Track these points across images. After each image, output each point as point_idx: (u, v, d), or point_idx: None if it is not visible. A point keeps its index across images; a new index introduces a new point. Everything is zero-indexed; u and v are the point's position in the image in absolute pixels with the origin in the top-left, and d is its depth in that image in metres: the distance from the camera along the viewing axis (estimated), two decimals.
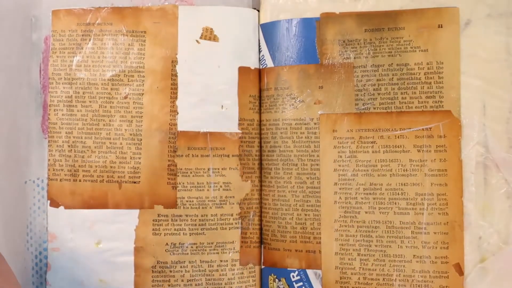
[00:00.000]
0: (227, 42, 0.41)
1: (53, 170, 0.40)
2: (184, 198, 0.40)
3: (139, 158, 0.40)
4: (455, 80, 0.37)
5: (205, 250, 0.40)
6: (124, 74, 0.40)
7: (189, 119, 0.40)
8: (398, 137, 0.38)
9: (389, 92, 0.38)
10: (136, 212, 0.40)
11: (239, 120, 0.40)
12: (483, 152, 0.37)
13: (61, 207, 0.40)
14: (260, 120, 0.41)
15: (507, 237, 0.36)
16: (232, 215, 0.40)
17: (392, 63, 0.38)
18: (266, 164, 0.40)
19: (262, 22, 0.41)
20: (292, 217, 0.39)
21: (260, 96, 0.41)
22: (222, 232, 0.40)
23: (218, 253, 0.40)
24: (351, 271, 0.38)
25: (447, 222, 0.37)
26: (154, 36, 0.40)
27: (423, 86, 0.37)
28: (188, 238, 0.39)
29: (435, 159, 0.37)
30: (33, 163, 0.40)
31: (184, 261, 0.39)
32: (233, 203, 0.40)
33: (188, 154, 0.40)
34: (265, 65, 0.41)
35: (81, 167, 0.40)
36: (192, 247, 0.39)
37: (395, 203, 0.37)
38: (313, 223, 0.39)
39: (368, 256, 0.38)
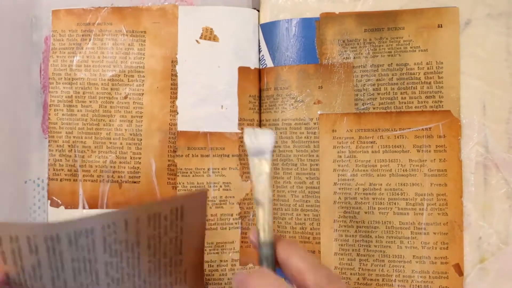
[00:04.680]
0: (227, 42, 0.41)
1: (53, 170, 0.40)
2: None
3: (139, 158, 0.40)
4: (455, 80, 0.37)
5: (205, 250, 0.40)
6: (124, 74, 0.40)
7: (189, 119, 0.40)
8: (398, 137, 0.38)
9: (389, 92, 0.38)
10: None
11: (239, 120, 0.40)
12: (483, 152, 0.37)
13: (61, 207, 0.40)
14: (260, 120, 0.41)
15: (507, 238, 0.36)
16: (232, 215, 0.40)
17: (391, 63, 0.38)
18: None
19: (262, 22, 0.41)
20: (292, 217, 0.39)
21: (260, 96, 0.41)
22: (222, 232, 0.40)
23: (218, 253, 0.40)
24: (351, 271, 0.38)
25: (447, 223, 0.37)
26: (154, 36, 0.40)
27: (422, 86, 0.37)
28: None
29: (434, 159, 0.37)
30: (33, 163, 0.41)
31: None
32: (233, 203, 0.40)
33: (188, 154, 0.40)
34: (265, 65, 0.41)
35: (81, 167, 0.40)
36: None
37: (395, 203, 0.37)
38: (313, 223, 0.39)
39: (368, 257, 0.38)
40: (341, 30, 0.39)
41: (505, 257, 0.36)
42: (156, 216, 0.30)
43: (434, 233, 0.37)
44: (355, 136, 0.38)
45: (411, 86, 0.37)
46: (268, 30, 0.41)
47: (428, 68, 0.37)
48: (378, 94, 0.38)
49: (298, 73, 0.39)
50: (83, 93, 0.40)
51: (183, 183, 0.40)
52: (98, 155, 0.40)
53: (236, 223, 0.40)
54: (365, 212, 0.38)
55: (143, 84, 0.40)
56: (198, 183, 0.40)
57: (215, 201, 0.40)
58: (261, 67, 0.41)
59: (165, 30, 0.40)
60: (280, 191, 0.40)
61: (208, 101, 0.40)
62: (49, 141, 0.41)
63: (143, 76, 0.40)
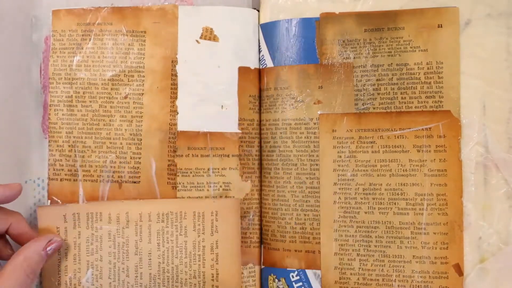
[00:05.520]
0: (227, 42, 0.41)
1: (54, 169, 0.40)
2: (184, 198, 0.40)
3: (139, 158, 0.40)
4: (455, 80, 0.37)
5: None
6: (124, 74, 0.40)
7: (189, 119, 0.40)
8: (398, 137, 0.38)
9: (389, 92, 0.38)
10: None
11: (239, 120, 0.40)
12: (483, 152, 0.37)
13: None
14: (260, 120, 0.41)
15: (507, 237, 0.36)
16: None
17: (391, 63, 0.38)
18: (266, 164, 0.40)
19: (262, 22, 0.41)
20: (292, 217, 0.39)
21: (260, 96, 0.41)
22: None
23: None
24: (351, 272, 0.38)
25: (447, 223, 0.37)
26: (154, 36, 0.40)
27: (422, 86, 0.37)
28: None
29: (434, 159, 0.37)
30: (34, 163, 0.41)
31: None
32: None
33: (188, 154, 0.40)
34: (265, 65, 0.41)
35: (81, 167, 0.40)
36: None
37: (395, 203, 0.37)
38: (313, 223, 0.39)
39: (368, 257, 0.38)
40: (341, 30, 0.39)
41: (505, 257, 0.36)
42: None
43: (434, 233, 0.37)
44: (355, 136, 0.38)
45: (411, 86, 0.37)
46: (268, 30, 0.41)
47: (428, 68, 0.37)
48: (378, 94, 0.38)
49: (298, 73, 0.39)
50: (83, 93, 0.40)
51: (183, 183, 0.40)
52: (98, 155, 0.40)
53: None
54: (365, 212, 0.38)
55: (143, 84, 0.40)
56: (198, 183, 0.40)
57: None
58: (261, 67, 0.41)
59: (165, 30, 0.40)
60: (280, 191, 0.40)
61: (208, 101, 0.40)
62: (49, 141, 0.41)
63: (143, 76, 0.40)
